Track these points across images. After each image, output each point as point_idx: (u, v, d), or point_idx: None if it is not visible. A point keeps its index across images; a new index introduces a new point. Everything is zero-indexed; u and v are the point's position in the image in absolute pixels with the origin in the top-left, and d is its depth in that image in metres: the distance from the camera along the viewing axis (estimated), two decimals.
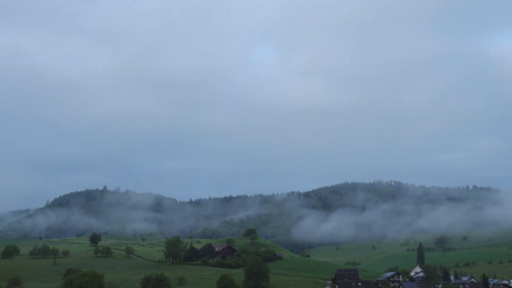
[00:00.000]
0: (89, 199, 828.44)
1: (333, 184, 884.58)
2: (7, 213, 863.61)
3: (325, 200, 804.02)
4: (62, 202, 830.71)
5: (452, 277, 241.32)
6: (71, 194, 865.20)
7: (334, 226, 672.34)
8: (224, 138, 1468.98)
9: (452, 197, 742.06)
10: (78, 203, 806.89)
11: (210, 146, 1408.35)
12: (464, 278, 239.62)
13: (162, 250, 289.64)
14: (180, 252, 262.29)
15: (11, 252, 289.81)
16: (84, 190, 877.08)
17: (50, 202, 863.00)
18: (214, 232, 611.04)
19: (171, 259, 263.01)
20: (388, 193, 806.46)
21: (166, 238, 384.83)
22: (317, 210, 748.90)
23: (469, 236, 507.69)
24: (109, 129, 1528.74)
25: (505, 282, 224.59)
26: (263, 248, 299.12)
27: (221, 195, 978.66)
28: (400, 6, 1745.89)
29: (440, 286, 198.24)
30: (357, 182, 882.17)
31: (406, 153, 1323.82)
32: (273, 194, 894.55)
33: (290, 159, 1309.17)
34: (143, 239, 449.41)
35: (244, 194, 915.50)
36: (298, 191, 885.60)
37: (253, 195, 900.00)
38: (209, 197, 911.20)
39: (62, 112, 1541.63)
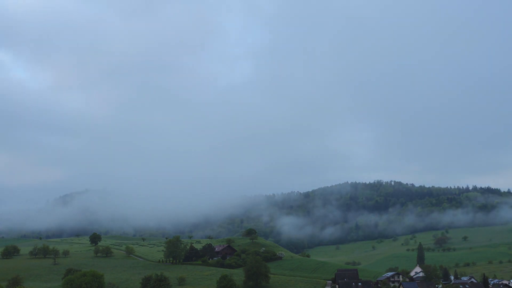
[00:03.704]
0: (90, 199, 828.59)
1: (333, 184, 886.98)
2: (7, 213, 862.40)
3: (326, 200, 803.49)
4: (62, 202, 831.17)
5: (452, 277, 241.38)
6: (72, 193, 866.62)
7: (335, 225, 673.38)
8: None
9: (452, 197, 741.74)
10: (78, 202, 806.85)
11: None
12: (464, 278, 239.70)
13: (162, 250, 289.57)
14: (180, 252, 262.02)
15: (11, 252, 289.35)
16: (85, 189, 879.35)
17: (50, 201, 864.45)
18: (214, 232, 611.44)
19: (171, 259, 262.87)
20: (388, 193, 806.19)
21: (166, 238, 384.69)
22: (317, 210, 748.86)
23: (469, 236, 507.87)
24: None
25: (505, 282, 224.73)
26: (263, 248, 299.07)
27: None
28: None
29: (440, 286, 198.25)
30: (357, 182, 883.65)
31: (406, 153, 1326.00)
32: (273, 194, 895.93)
33: (290, 159, 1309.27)
34: (143, 239, 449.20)
35: (244, 194, 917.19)
36: (298, 191, 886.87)
37: (253, 195, 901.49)
38: None
39: None
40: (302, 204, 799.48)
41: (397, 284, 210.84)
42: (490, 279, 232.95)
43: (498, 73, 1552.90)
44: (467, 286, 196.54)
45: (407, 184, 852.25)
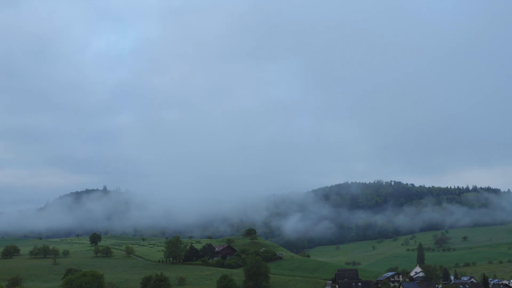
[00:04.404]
0: (89, 199, 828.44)
1: (333, 184, 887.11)
2: (7, 213, 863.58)
3: (326, 200, 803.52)
4: (62, 202, 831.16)
5: (452, 277, 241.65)
6: (71, 194, 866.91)
7: (335, 225, 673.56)
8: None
9: (452, 197, 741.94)
10: (78, 203, 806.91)
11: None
12: (464, 278, 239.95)
13: (162, 250, 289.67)
14: (180, 252, 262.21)
15: (11, 252, 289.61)
16: (84, 190, 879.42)
17: (50, 201, 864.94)
18: (214, 232, 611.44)
19: (171, 259, 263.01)
20: (388, 193, 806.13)
21: (166, 238, 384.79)
22: (317, 210, 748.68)
23: (469, 236, 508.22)
24: None
25: (505, 282, 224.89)
26: (263, 248, 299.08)
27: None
28: None
29: (440, 286, 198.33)
30: (358, 182, 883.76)
31: (406, 153, 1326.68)
32: (273, 194, 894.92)
33: (289, 159, 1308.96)
34: (143, 239, 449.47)
35: (244, 194, 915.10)
36: (298, 191, 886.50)
37: (253, 195, 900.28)
38: None
39: None
40: (302, 204, 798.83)
41: (397, 284, 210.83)
42: (490, 279, 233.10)
43: (500, 73, 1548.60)
44: (467, 286, 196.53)
45: (407, 184, 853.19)
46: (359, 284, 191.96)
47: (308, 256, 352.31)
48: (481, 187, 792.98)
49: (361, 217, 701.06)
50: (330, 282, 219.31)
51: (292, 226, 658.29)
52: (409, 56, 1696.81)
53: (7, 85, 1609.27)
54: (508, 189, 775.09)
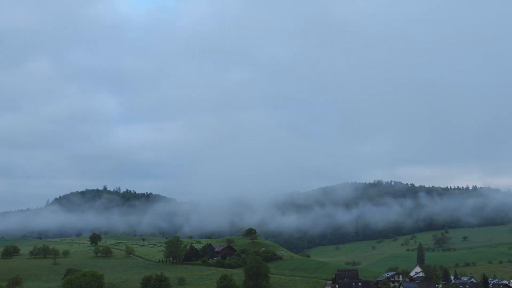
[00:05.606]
0: (89, 199, 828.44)
1: (333, 184, 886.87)
2: (7, 213, 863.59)
3: (326, 200, 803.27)
4: (62, 202, 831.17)
5: (452, 277, 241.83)
6: (71, 194, 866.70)
7: (335, 225, 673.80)
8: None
9: (452, 197, 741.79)
10: (78, 203, 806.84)
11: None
12: (464, 278, 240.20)
13: (162, 250, 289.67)
14: (180, 252, 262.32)
15: (11, 252, 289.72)
16: (84, 190, 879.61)
17: (50, 201, 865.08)
18: (214, 232, 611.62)
19: (171, 259, 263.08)
20: (388, 193, 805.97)
21: (166, 238, 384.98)
22: (318, 209, 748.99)
23: (469, 236, 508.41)
24: None
25: (505, 282, 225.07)
26: (263, 248, 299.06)
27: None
28: None
29: (440, 286, 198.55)
30: (358, 182, 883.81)
31: (406, 153, 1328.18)
32: (274, 194, 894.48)
33: (289, 159, 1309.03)
34: (143, 239, 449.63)
35: (245, 194, 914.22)
36: (298, 191, 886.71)
37: (253, 195, 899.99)
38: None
39: None
40: (302, 204, 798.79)
41: (397, 284, 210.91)
42: (490, 279, 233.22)
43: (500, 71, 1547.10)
44: (467, 286, 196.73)
45: (407, 184, 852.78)
46: (359, 284, 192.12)
47: (308, 256, 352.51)
48: (481, 187, 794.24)
49: (361, 217, 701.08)
50: (330, 282, 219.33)
51: (292, 226, 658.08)
52: (417, 57, 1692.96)
53: None
54: (508, 189, 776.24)
